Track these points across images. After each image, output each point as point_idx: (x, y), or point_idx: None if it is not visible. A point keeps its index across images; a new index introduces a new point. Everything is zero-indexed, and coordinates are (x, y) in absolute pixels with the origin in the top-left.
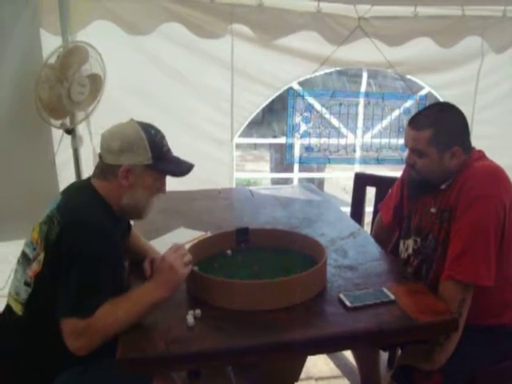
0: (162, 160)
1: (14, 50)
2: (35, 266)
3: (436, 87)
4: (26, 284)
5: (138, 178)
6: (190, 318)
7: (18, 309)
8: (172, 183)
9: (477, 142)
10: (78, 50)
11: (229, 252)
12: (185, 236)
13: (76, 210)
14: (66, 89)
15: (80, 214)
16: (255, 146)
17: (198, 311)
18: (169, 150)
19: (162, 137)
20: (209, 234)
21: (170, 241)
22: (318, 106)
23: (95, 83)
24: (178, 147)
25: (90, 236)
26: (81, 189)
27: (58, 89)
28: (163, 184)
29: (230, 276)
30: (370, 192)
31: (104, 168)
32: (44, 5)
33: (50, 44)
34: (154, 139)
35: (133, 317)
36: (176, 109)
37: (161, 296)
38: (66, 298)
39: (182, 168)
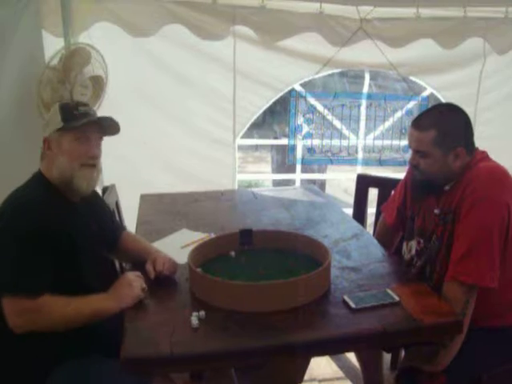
0: (72, 120)
1: (16, 51)
2: None
3: (438, 88)
4: None
5: (56, 145)
6: (194, 320)
7: None
8: (174, 184)
9: (479, 143)
10: (80, 52)
11: (232, 253)
12: (187, 237)
13: (12, 194)
14: (68, 90)
15: (13, 197)
16: (256, 148)
17: (202, 313)
18: (86, 113)
19: (80, 104)
20: (212, 235)
21: (173, 242)
22: (320, 107)
23: (97, 85)
24: (180, 148)
25: (17, 213)
26: (30, 177)
27: (60, 90)
28: (89, 146)
29: (234, 277)
30: (372, 193)
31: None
32: (46, 7)
33: (52, 46)
34: (66, 105)
35: (79, 315)
36: (178, 110)
37: (110, 306)
38: (1, 276)
39: (85, 119)
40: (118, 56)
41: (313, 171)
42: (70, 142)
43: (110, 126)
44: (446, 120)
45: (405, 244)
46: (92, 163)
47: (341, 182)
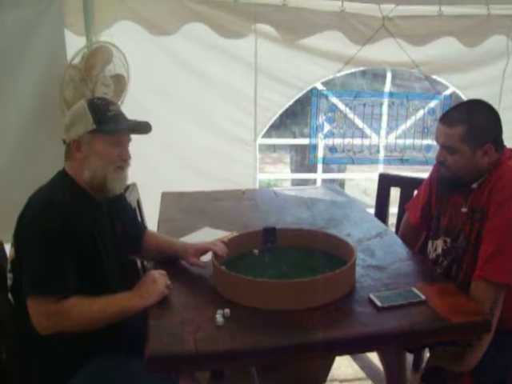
0: (106, 123)
1: (39, 50)
2: (11, 252)
3: (460, 87)
4: (10, 271)
5: (88, 147)
6: (218, 318)
7: (12, 297)
8: (193, 183)
9: None
10: (102, 51)
11: (256, 251)
12: (210, 235)
13: (36, 193)
14: (90, 89)
15: (37, 196)
16: (274, 149)
17: (227, 310)
18: (118, 114)
19: (109, 103)
20: (235, 233)
21: (196, 240)
22: (341, 106)
23: (119, 83)
24: (200, 147)
25: (40, 213)
26: (55, 176)
27: (82, 89)
28: (122, 149)
29: (258, 275)
30: (392, 194)
31: (65, 148)
32: (69, 5)
33: (75, 44)
34: (96, 106)
35: (105, 314)
36: (199, 109)
37: (135, 304)
38: (27, 276)
39: (123, 124)
40: (140, 54)
41: (332, 171)
42: (104, 145)
43: (142, 129)
44: (474, 116)
45: (430, 243)
46: (125, 165)
47: (360, 182)
